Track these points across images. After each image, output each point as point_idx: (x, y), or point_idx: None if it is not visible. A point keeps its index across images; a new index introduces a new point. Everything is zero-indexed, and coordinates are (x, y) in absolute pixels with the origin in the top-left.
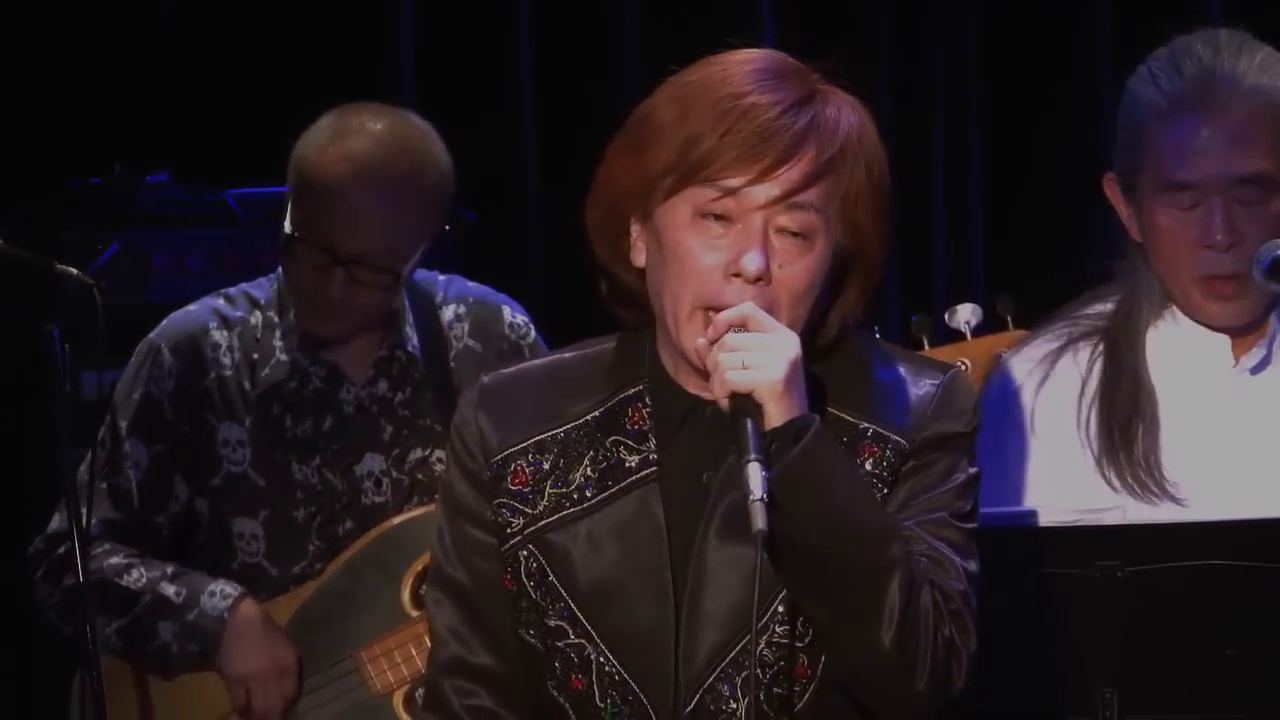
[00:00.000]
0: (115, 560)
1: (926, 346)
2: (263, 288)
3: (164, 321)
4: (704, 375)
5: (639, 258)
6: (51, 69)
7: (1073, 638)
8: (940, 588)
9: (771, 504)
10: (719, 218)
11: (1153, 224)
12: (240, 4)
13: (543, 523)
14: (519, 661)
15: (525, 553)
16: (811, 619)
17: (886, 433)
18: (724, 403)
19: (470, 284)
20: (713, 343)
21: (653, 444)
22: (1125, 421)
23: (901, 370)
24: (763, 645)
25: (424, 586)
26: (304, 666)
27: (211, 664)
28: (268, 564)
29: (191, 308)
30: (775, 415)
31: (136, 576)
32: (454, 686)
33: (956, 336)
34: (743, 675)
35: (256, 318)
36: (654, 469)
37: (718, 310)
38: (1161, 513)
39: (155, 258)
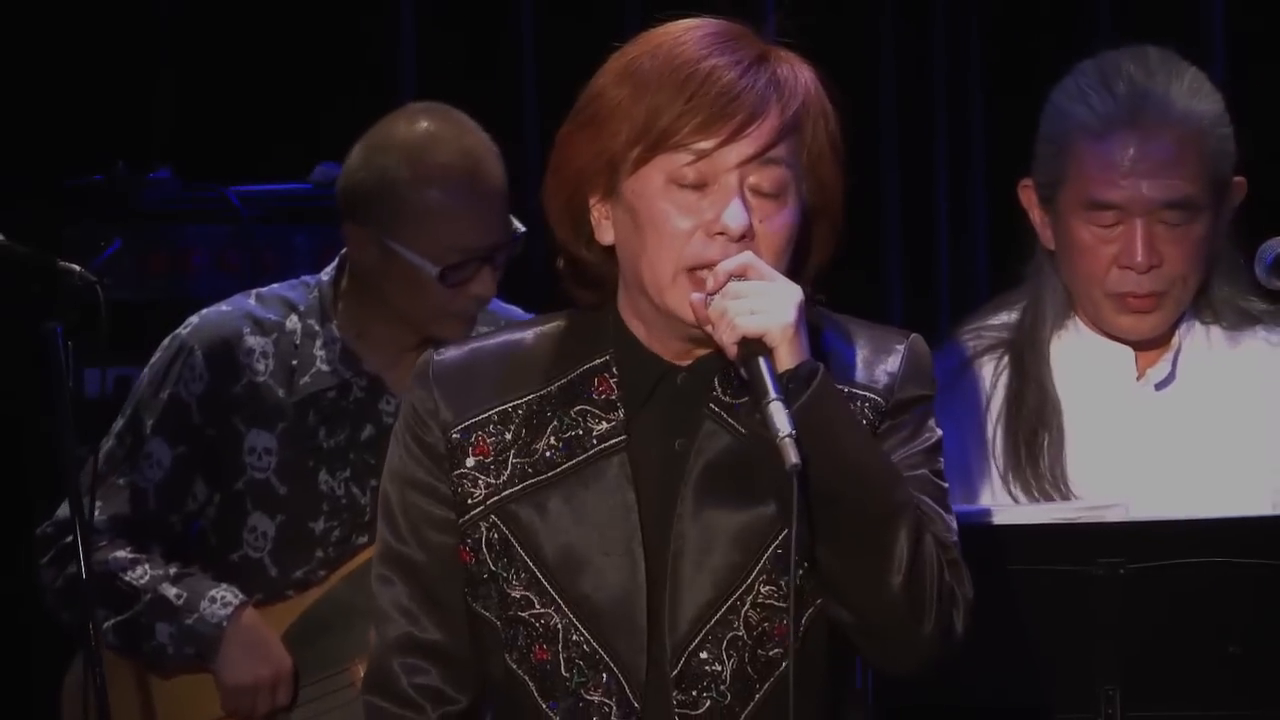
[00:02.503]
0: (120, 554)
1: None
2: (298, 292)
3: (196, 319)
4: (694, 338)
5: (605, 235)
6: (54, 65)
7: (1075, 635)
8: (937, 538)
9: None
10: (693, 181)
11: (1071, 238)
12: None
13: (506, 493)
14: (469, 638)
15: (486, 524)
16: (821, 565)
17: (862, 392)
18: (731, 350)
19: (516, 310)
20: (712, 294)
21: (621, 412)
22: (1031, 435)
23: (864, 335)
24: (747, 606)
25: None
26: (301, 675)
27: (206, 667)
28: (269, 562)
29: (224, 308)
30: (786, 358)
31: (140, 574)
32: (403, 665)
33: None
34: (728, 636)
35: (294, 323)
36: (622, 437)
37: (701, 269)
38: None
39: (158, 254)
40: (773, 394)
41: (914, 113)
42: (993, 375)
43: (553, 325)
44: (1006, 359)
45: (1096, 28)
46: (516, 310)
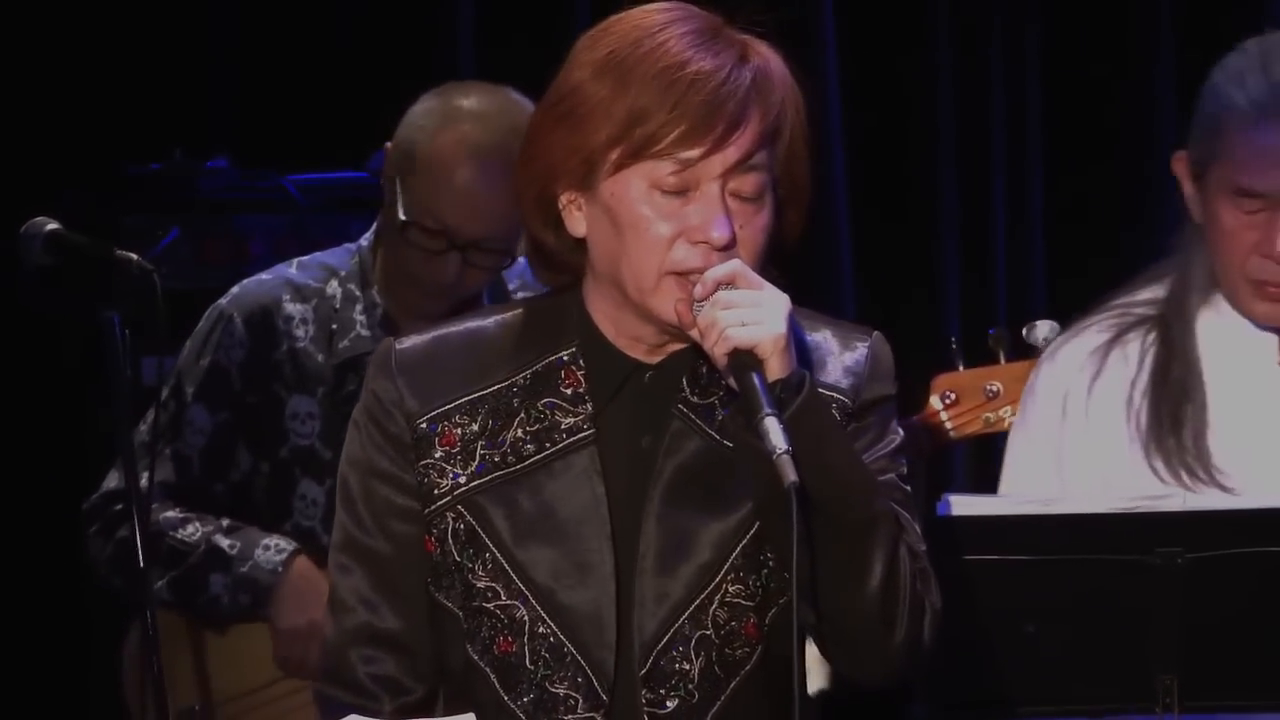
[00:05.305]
0: (170, 514)
1: (1003, 361)
2: (340, 258)
3: (236, 289)
4: (667, 335)
5: (577, 227)
6: (111, 53)
7: (1133, 625)
8: (909, 547)
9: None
10: (675, 188)
11: (1215, 219)
12: None
13: (474, 484)
14: (428, 628)
15: (453, 514)
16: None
17: (829, 393)
18: (721, 360)
19: None
20: (698, 300)
21: (589, 407)
22: (1175, 406)
23: (828, 333)
24: (715, 605)
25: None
26: None
27: (261, 617)
28: (321, 530)
29: (264, 276)
30: (777, 369)
31: (191, 530)
32: (360, 654)
33: (1034, 352)
34: (697, 636)
35: (334, 288)
36: (591, 431)
37: (684, 275)
38: (1221, 500)
39: (215, 243)
40: (767, 409)
41: (970, 100)
42: (1139, 351)
43: (514, 314)
44: (1154, 334)
45: (1158, 20)
46: None
